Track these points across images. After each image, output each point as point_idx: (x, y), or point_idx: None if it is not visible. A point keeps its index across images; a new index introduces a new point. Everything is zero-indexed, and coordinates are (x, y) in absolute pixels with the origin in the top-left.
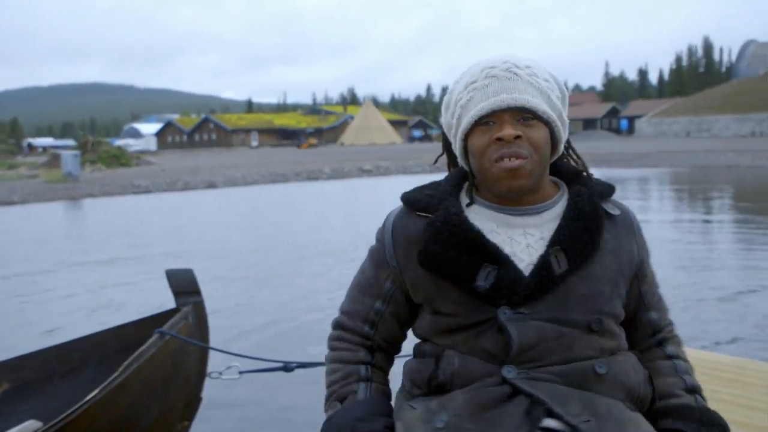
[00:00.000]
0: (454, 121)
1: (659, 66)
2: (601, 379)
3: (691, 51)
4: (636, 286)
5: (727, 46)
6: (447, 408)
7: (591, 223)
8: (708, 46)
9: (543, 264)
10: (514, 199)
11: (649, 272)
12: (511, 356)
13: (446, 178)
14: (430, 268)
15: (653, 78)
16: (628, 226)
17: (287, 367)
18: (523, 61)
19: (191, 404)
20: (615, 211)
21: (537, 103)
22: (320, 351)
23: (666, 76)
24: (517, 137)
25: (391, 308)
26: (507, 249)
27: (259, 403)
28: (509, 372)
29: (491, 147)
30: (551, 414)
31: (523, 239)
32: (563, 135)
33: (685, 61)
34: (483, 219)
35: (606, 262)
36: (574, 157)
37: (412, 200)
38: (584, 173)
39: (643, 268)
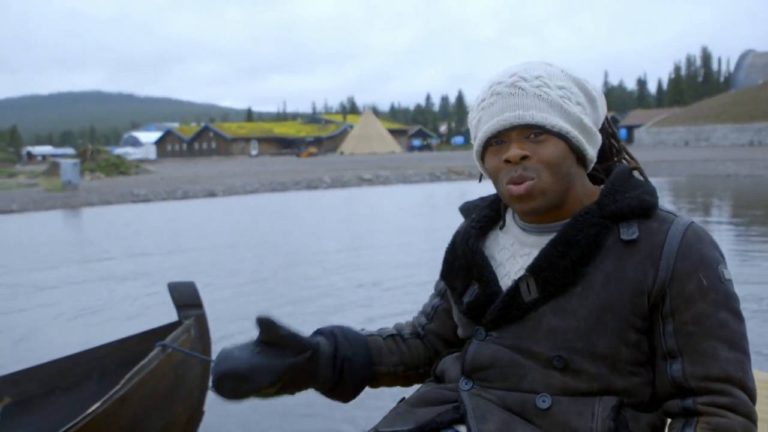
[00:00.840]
0: (473, 142)
1: (658, 76)
2: (541, 413)
3: (689, 61)
4: (657, 323)
5: (726, 55)
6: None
7: (573, 249)
8: (706, 56)
9: (512, 290)
10: (536, 218)
11: (693, 311)
12: (464, 371)
13: None
14: (443, 277)
15: (652, 88)
16: (650, 252)
17: None
18: (533, 71)
19: (193, 418)
20: (630, 236)
21: (543, 117)
22: None
23: (665, 86)
24: (525, 158)
25: (445, 305)
26: (506, 269)
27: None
28: (465, 384)
29: (502, 169)
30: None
31: (525, 260)
32: (585, 143)
33: (683, 71)
34: (507, 236)
35: (588, 294)
36: (627, 157)
37: (461, 208)
38: (617, 185)
39: (669, 302)
